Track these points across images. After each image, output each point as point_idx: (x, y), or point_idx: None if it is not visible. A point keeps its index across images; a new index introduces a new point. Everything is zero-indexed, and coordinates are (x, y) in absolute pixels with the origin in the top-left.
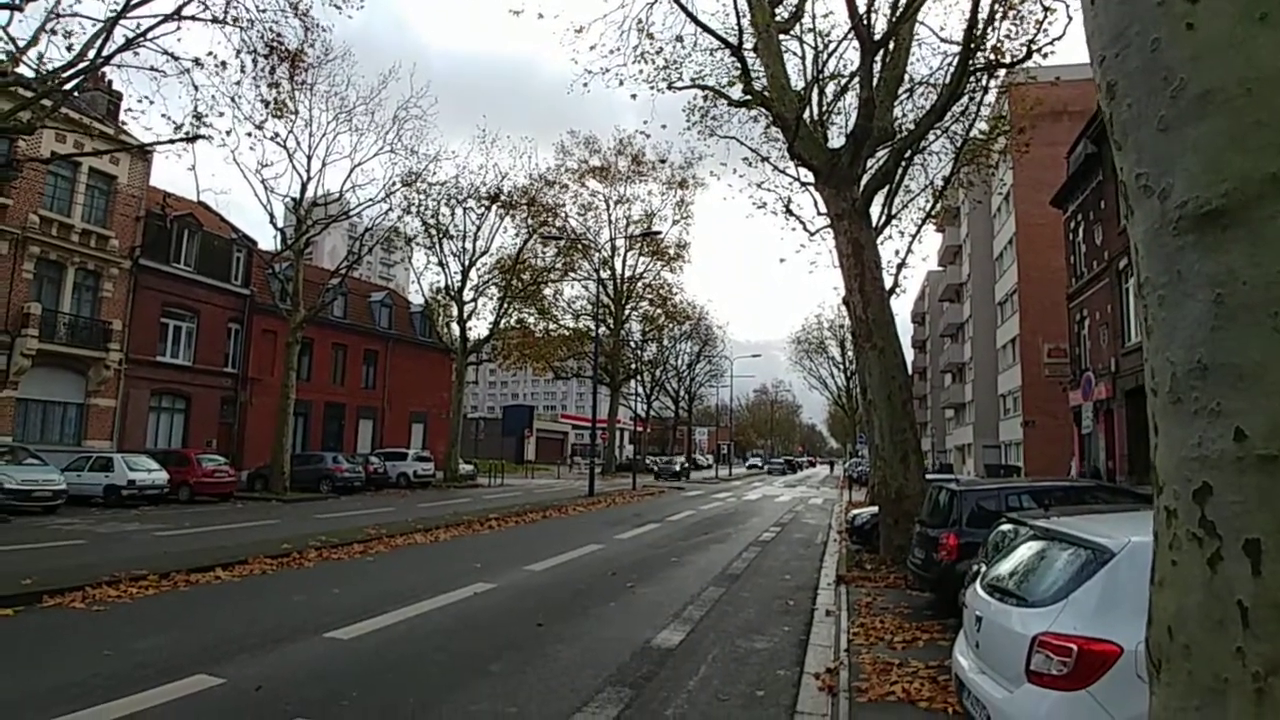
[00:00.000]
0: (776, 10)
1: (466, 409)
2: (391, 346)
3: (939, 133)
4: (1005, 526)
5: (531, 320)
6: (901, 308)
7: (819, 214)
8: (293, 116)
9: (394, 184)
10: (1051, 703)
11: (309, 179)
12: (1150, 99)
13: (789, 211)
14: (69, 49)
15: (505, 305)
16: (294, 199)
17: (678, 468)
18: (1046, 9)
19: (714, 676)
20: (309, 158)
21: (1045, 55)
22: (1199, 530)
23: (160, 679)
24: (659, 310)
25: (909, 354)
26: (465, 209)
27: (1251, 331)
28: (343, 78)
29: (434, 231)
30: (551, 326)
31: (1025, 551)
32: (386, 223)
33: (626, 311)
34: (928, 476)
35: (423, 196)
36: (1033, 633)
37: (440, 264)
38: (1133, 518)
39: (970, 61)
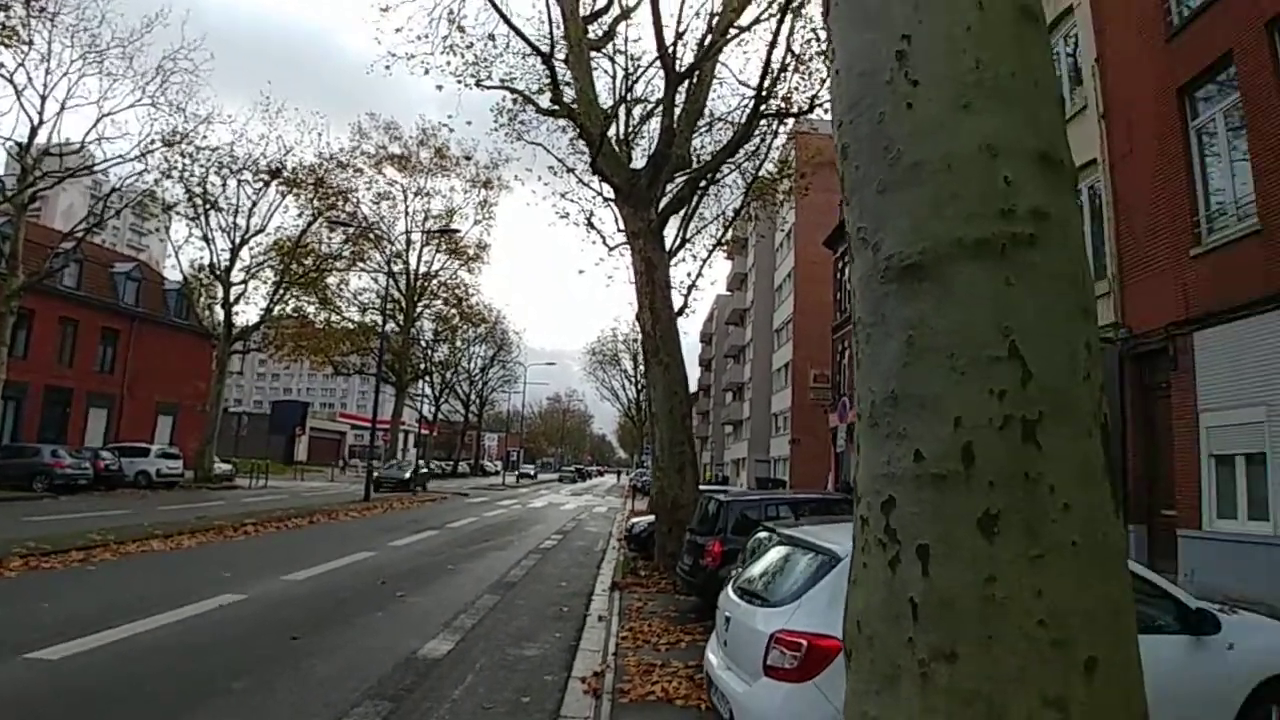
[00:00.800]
0: (590, 27)
1: (228, 402)
2: (138, 326)
3: (733, 167)
4: (762, 534)
5: (311, 310)
6: (692, 327)
7: (619, 230)
8: (24, 47)
9: (153, 142)
10: (784, 694)
11: (41, 123)
12: (873, 164)
13: (590, 225)
14: None
15: (281, 291)
16: (18, 144)
17: (407, 475)
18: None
19: (480, 685)
20: (43, 98)
21: (826, 110)
22: (884, 536)
23: None
24: (454, 310)
25: (696, 372)
26: (240, 181)
27: (933, 369)
28: (95, 12)
29: (200, 201)
30: (334, 318)
31: (773, 556)
32: (141, 185)
33: (419, 309)
34: (703, 487)
35: (188, 160)
36: (771, 630)
37: (205, 238)
38: None
39: (762, 106)
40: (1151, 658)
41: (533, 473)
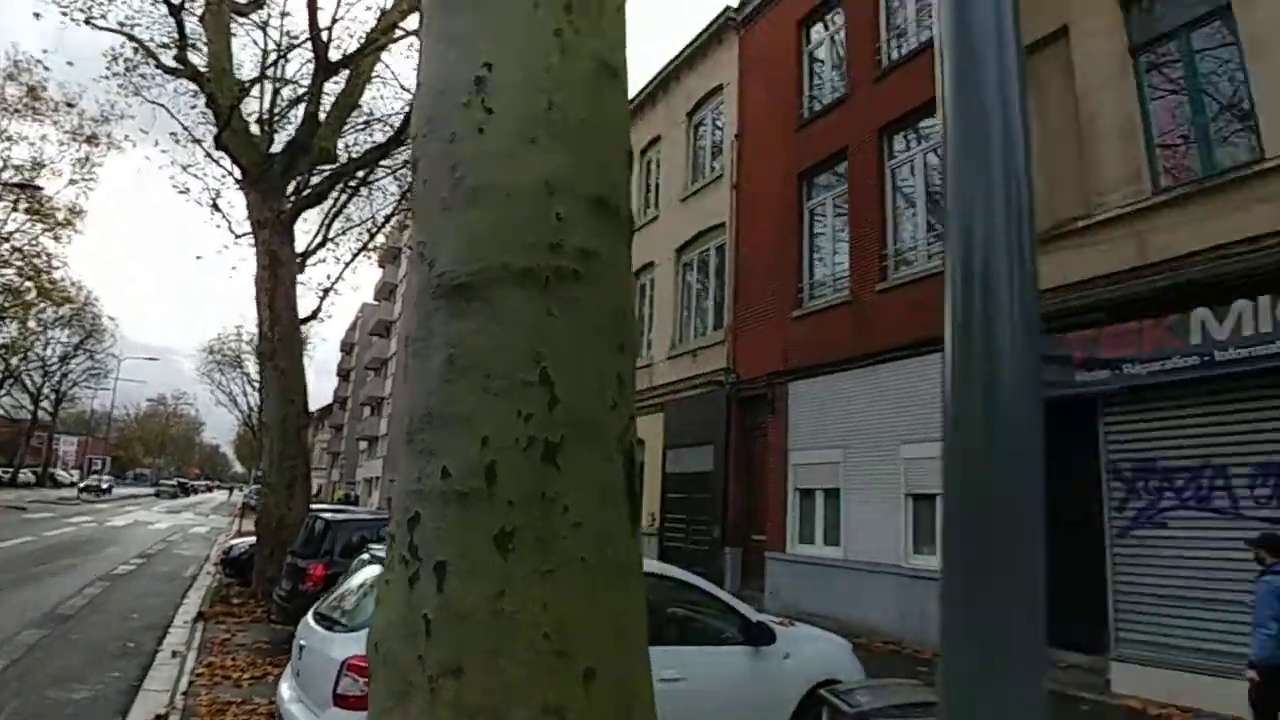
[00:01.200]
0: None
1: None
2: None
3: (388, 171)
4: (365, 556)
5: None
6: (332, 334)
7: (247, 217)
8: None
9: None
10: None
11: None
12: (439, 181)
13: (215, 206)
14: None
15: None
16: None
17: None
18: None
19: None
20: None
21: None
22: (407, 553)
23: None
24: (29, 283)
25: (334, 382)
26: None
27: (469, 388)
28: None
29: None
30: None
31: (360, 579)
32: None
33: None
34: (323, 506)
35: None
36: (344, 657)
37: None
38: None
39: None
40: (718, 666)
41: (105, 486)
